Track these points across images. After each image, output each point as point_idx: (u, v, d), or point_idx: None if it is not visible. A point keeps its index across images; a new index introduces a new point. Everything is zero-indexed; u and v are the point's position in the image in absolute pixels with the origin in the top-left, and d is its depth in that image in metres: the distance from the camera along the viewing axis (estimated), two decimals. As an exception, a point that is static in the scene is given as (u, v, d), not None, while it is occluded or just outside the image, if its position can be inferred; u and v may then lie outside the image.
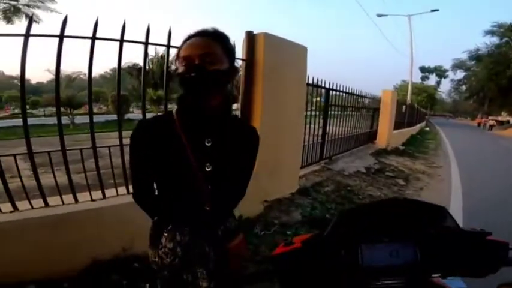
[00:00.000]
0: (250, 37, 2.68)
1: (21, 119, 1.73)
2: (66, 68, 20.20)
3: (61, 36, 1.68)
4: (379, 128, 8.02)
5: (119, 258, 1.93)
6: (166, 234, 0.88)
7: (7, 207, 1.77)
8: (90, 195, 2.00)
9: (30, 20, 1.75)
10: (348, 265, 0.67)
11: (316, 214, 3.05)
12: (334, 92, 5.17)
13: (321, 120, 4.94)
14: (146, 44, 2.01)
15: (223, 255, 0.89)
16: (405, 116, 11.25)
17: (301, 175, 3.90)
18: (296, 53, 3.25)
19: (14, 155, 1.78)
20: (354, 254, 0.67)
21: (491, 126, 26.24)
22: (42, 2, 10.04)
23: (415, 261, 0.67)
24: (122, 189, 2.12)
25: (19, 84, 1.69)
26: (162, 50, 18.67)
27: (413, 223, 0.71)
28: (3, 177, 1.71)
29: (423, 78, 52.42)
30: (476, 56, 28.11)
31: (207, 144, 0.84)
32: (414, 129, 13.77)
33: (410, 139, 11.18)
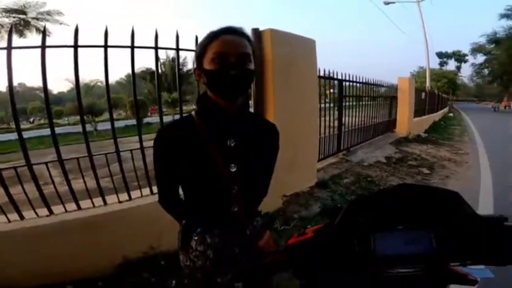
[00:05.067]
0: (257, 34, 2.69)
1: (45, 129, 1.85)
2: (84, 76, 21.08)
3: (75, 46, 1.76)
4: (398, 117, 7.79)
5: (148, 256, 2.01)
6: (196, 238, 0.88)
7: (43, 211, 1.89)
8: (118, 197, 2.10)
9: (44, 32, 1.81)
10: (360, 254, 0.66)
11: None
12: (348, 83, 5.09)
13: (336, 112, 4.88)
14: (156, 48, 2.06)
15: (253, 255, 0.88)
16: (425, 102, 10.85)
17: (319, 168, 3.88)
18: (305, 47, 3.23)
19: (46, 163, 1.89)
20: (366, 243, 0.65)
21: (508, 106, 28.12)
22: (50, 15, 10.41)
23: (431, 249, 0.64)
24: (145, 191, 2.20)
25: (42, 95, 1.80)
26: (173, 53, 19.00)
27: (427, 209, 0.68)
28: (37, 183, 1.83)
29: (441, 64, 50.87)
30: (494, 40, 27.44)
31: (230, 145, 0.83)
32: (436, 116, 13.23)
33: (432, 126, 10.78)
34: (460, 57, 49.51)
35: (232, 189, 0.84)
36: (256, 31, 2.69)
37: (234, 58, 0.76)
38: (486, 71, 32.59)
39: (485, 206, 3.13)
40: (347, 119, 5.20)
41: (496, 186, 3.83)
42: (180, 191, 0.92)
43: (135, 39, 1.95)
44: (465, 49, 36.29)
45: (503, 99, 32.33)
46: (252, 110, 2.81)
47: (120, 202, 2.08)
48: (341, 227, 0.68)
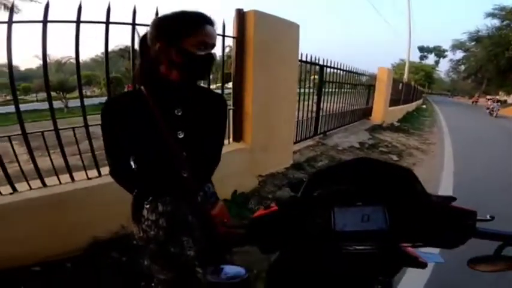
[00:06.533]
0: (241, 15, 2.66)
1: (10, 106, 1.74)
2: (56, 53, 19.90)
3: (44, 22, 1.67)
4: (374, 105, 8.07)
5: (119, 235, 1.96)
6: (147, 206, 0.91)
7: (6, 189, 1.78)
8: (86, 173, 2.02)
9: (12, 8, 1.76)
10: (321, 229, 0.66)
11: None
12: (329, 70, 5.16)
13: (315, 97, 4.98)
14: (133, 25, 1.99)
15: (206, 222, 0.92)
16: (401, 93, 11.25)
17: (295, 150, 3.97)
18: (288, 30, 3.22)
19: (9, 136, 1.78)
20: (327, 217, 0.66)
21: (475, 102, 30.00)
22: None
23: (385, 228, 0.64)
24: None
25: (7, 71, 1.71)
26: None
27: (382, 185, 0.68)
28: (0, 159, 1.72)
29: (422, 58, 52.91)
30: (476, 38, 28.51)
31: (177, 114, 0.89)
32: (410, 106, 13.78)
33: (406, 116, 11.23)
34: (439, 53, 51.16)
35: (181, 154, 0.89)
36: (240, 12, 2.66)
37: (210, 48, 0.86)
38: (462, 67, 33.77)
39: (445, 191, 3.37)
40: (326, 104, 5.30)
41: (456, 175, 4.10)
42: (132, 163, 0.94)
43: (110, 16, 1.85)
44: (447, 45, 37.38)
45: (475, 95, 34.12)
46: (230, 90, 2.85)
47: (89, 179, 2.01)
48: (304, 200, 0.69)
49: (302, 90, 4.30)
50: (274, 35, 2.93)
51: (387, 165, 0.72)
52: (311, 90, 4.87)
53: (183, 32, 0.83)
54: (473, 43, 29.65)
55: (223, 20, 2.47)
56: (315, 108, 4.91)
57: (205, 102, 0.96)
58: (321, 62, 4.74)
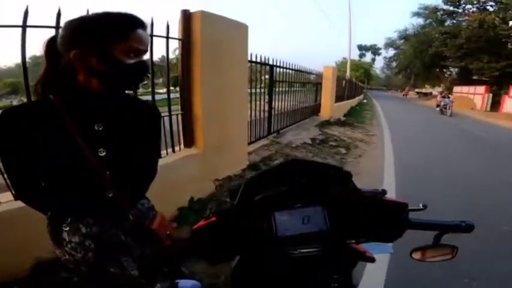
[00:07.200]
0: (186, 16, 2.56)
1: None
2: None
3: None
4: (322, 102, 8.55)
5: None
6: (67, 229, 0.81)
7: None
8: (12, 194, 1.75)
9: None
10: (264, 235, 0.65)
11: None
12: (279, 69, 5.29)
13: (267, 96, 5.06)
14: (57, 28, 1.78)
15: (148, 238, 0.85)
16: (345, 89, 12.11)
17: (250, 151, 3.98)
18: (236, 31, 3.20)
19: None
20: (268, 223, 0.65)
21: (405, 95, 36.25)
22: None
23: (326, 228, 0.64)
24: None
25: None
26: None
27: (318, 186, 0.69)
28: None
29: (361, 56, 58.26)
30: (404, 36, 31.90)
31: (98, 129, 0.79)
32: (353, 102, 14.92)
33: (350, 110, 12.16)
34: (375, 51, 57.04)
35: (103, 174, 0.80)
36: (185, 13, 2.56)
37: (142, 55, 0.78)
38: (394, 63, 37.82)
39: (388, 180, 3.70)
40: (277, 103, 5.43)
41: (396, 161, 4.59)
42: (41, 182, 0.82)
43: (58, 18, 1.67)
44: (382, 44, 41.55)
45: (405, 89, 38.47)
46: (177, 93, 2.75)
47: (17, 199, 1.78)
48: (241, 207, 0.67)
49: (253, 90, 4.33)
50: (222, 36, 2.89)
51: (318, 165, 0.73)
52: (262, 90, 4.95)
53: (110, 36, 0.72)
54: (402, 41, 33.25)
55: (167, 21, 2.37)
56: (267, 108, 4.99)
57: (133, 113, 0.86)
58: (270, 62, 4.82)
